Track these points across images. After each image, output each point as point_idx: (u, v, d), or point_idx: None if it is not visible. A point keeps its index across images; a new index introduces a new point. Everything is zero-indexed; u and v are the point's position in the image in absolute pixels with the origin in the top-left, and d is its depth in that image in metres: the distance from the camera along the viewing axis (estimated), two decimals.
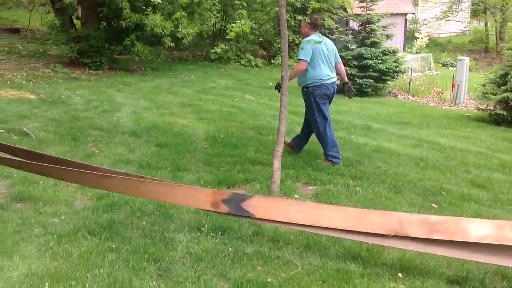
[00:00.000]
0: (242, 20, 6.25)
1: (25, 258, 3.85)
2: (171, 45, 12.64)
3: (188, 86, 12.42)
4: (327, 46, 6.67)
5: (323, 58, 6.56)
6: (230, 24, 7.77)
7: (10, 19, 21.34)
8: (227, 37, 6.63)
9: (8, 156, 5.16)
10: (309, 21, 6.69)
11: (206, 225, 4.53)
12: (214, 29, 19.60)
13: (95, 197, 5.14)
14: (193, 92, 11.69)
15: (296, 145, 7.04)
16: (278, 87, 6.35)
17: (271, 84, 13.10)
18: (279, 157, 5.43)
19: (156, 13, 11.82)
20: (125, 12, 12.15)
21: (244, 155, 6.80)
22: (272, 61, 17.50)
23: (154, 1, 6.87)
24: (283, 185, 5.59)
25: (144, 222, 4.64)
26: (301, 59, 6.48)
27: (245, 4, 8.15)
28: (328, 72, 6.60)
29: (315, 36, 6.55)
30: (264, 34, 18.85)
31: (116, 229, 4.41)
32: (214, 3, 15.22)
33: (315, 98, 6.60)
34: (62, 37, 14.27)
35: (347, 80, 7.16)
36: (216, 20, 18.72)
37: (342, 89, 7.28)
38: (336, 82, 6.82)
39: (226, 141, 7.46)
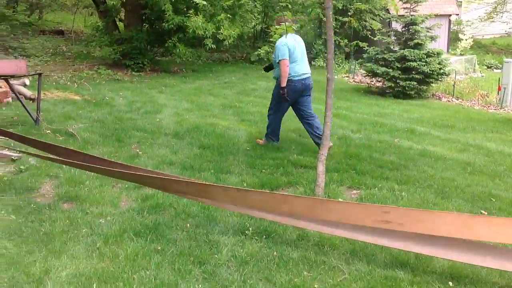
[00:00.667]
0: (287, 23, 6.22)
1: (73, 258, 3.89)
2: (212, 46, 12.69)
3: (228, 88, 12.45)
4: (299, 43, 7.19)
5: (295, 56, 7.03)
6: (273, 26, 7.74)
7: (54, 21, 21.81)
8: (270, 39, 6.61)
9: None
10: (281, 22, 7.32)
11: (250, 228, 4.50)
12: (255, 31, 19.61)
13: (140, 198, 5.17)
14: (233, 94, 11.70)
15: (315, 136, 7.20)
16: (266, 68, 7.54)
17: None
18: (323, 161, 5.37)
19: (198, 15, 11.89)
20: (167, 14, 12.27)
21: (287, 157, 6.75)
22: (313, 62, 17.38)
23: (198, 3, 6.88)
24: (327, 189, 5.52)
25: (188, 224, 4.64)
26: (282, 59, 6.95)
27: (289, 6, 8.08)
28: (298, 69, 7.06)
29: (289, 36, 7.06)
30: (305, 36, 18.75)
31: (161, 231, 4.42)
32: (255, 4, 15.22)
33: (279, 91, 7.13)
34: (105, 39, 14.50)
35: None
36: (257, 22, 18.73)
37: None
38: (310, 77, 7.25)
39: (268, 144, 7.42)
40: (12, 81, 9.29)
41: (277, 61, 7.05)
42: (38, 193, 5.20)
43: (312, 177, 5.80)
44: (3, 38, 15.44)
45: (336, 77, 6.45)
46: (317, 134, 7.10)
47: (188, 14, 12.12)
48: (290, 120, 9.09)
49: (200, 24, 11.63)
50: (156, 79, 13.14)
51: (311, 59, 17.91)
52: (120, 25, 15.26)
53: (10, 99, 8.69)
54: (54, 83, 11.24)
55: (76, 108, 8.99)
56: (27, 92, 8.97)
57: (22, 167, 5.80)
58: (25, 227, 4.37)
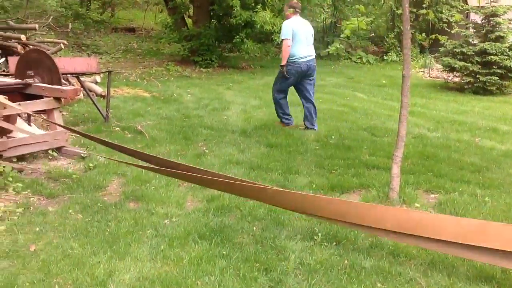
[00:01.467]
0: (358, 17, 5.90)
1: (137, 261, 3.78)
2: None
3: None
4: (306, 27, 7.63)
5: (300, 38, 7.45)
6: (344, 20, 7.45)
7: (126, 18, 22.25)
8: (341, 35, 6.33)
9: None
10: (289, 5, 7.71)
11: (319, 234, 4.26)
12: (324, 25, 19.21)
13: (206, 199, 5.03)
14: None
15: (309, 121, 7.79)
16: (282, 69, 7.55)
17: (384, 81, 12.57)
18: (399, 163, 5.04)
19: (266, 10, 11.70)
20: (235, 9, 12.16)
21: (358, 157, 6.45)
22: (385, 57, 16.82)
23: None
24: (402, 193, 5.18)
25: (255, 228, 4.45)
26: (284, 39, 7.41)
27: None
28: (303, 51, 7.50)
29: (295, 18, 7.55)
30: (376, 29, 18.20)
31: (227, 234, 4.26)
32: None
33: (283, 71, 7.54)
34: (174, 36, 14.59)
35: None
36: (327, 16, 18.33)
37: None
38: (314, 60, 7.69)
39: (338, 143, 7.14)
40: (83, 78, 9.46)
41: (279, 40, 7.60)
42: (105, 192, 5.16)
43: (385, 179, 5.49)
44: (77, 36, 15.89)
45: (410, 71, 6.14)
46: (311, 119, 7.79)
47: (256, 9, 11.95)
48: (361, 118, 8.76)
49: (268, 19, 11.43)
50: (224, 76, 13.07)
51: (382, 53, 17.37)
52: (189, 21, 15.31)
53: (82, 96, 8.81)
54: (124, 80, 11.38)
55: (144, 105, 9.02)
56: (98, 89, 9.09)
57: (91, 164, 5.80)
58: (91, 226, 4.32)
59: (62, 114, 8.13)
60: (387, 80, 12.78)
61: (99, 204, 4.78)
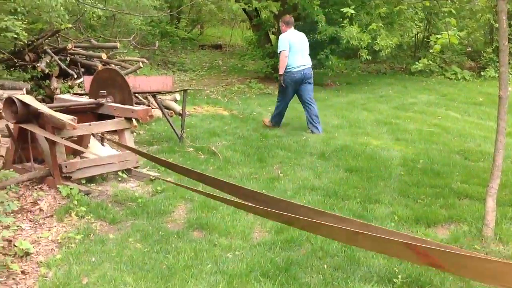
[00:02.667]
0: (450, 31, 5.32)
1: None
2: (368, 58, 11.90)
3: (384, 102, 11.53)
4: (301, 39, 8.31)
5: (295, 50, 8.08)
6: (434, 35, 6.84)
7: (215, 35, 22.43)
8: (430, 50, 5.76)
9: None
10: (283, 21, 8.44)
11: (399, 276, 3.75)
12: (416, 40, 18.32)
13: (274, 230, 4.64)
14: (390, 109, 10.78)
15: (312, 124, 8.28)
16: (281, 78, 8.21)
17: (481, 99, 11.64)
18: (494, 195, 4.41)
19: (353, 25, 11.20)
20: (320, 25, 11.75)
21: (448, 185, 5.81)
22: (482, 73, 15.68)
23: (347, 12, 6.26)
24: (498, 229, 4.54)
25: (325, 265, 4.01)
26: (281, 51, 8.08)
27: (453, 11, 7.09)
28: (297, 62, 8.11)
29: (290, 31, 8.26)
30: (473, 44, 17.09)
31: (293, 272, 3.84)
32: (416, 11, 14.08)
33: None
34: (257, 52, 14.38)
35: None
36: (419, 30, 17.45)
37: None
38: (310, 69, 8.30)
39: (427, 168, 6.51)
40: (164, 96, 9.40)
41: (278, 52, 8.19)
42: (169, 218, 4.90)
43: (479, 212, 4.86)
44: (163, 53, 16.10)
45: (510, 89, 5.49)
46: (313, 122, 8.22)
47: (342, 24, 11.47)
48: (454, 139, 8.05)
49: (354, 34, 10.92)
50: None
51: (479, 69, 16.24)
52: (273, 38, 15.07)
53: (160, 115, 8.72)
54: (205, 98, 11.25)
55: (222, 124, 8.78)
56: (177, 108, 8.97)
57: (159, 188, 5.58)
58: (149, 258, 4.04)
59: (139, 133, 8.07)
60: (484, 98, 11.81)
61: (161, 232, 4.51)
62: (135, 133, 8.01)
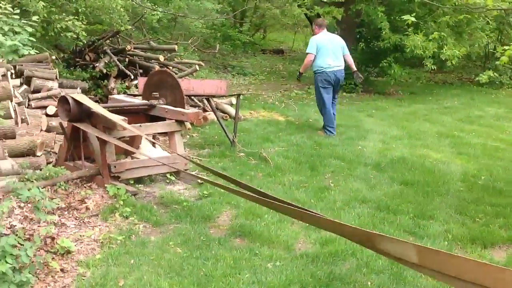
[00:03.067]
0: None
1: None
2: (433, 67, 11.48)
3: (448, 114, 11.08)
4: (332, 41, 8.49)
5: (326, 51, 8.28)
6: (504, 45, 6.47)
7: (277, 40, 22.33)
8: (497, 62, 5.44)
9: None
10: (316, 23, 8.85)
11: None
12: (486, 51, 17.58)
13: (319, 242, 4.46)
14: (453, 121, 10.33)
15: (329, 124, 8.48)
16: (299, 75, 9.25)
17: None
18: None
19: (418, 33, 10.83)
20: (384, 32, 11.43)
21: (510, 205, 5.44)
22: None
23: (407, 20, 5.99)
24: None
25: (369, 283, 3.82)
26: (308, 53, 8.40)
27: None
28: (329, 62, 8.28)
29: (321, 34, 8.49)
30: None
31: None
32: (487, 21, 13.48)
33: (317, 81, 8.44)
34: None
35: (355, 69, 8.89)
36: (490, 41, 16.73)
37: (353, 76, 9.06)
38: (342, 71, 8.45)
39: (488, 184, 6.16)
40: (219, 100, 9.38)
41: (306, 53, 8.51)
42: (213, 223, 4.82)
43: None
44: (224, 56, 16.14)
45: None
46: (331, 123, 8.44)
47: (406, 32, 11.12)
48: None
49: (419, 43, 10.54)
50: (368, 101, 12.34)
51: None
52: None
53: (215, 118, 8.68)
54: (262, 103, 11.15)
55: (277, 130, 8.65)
56: (232, 111, 8.91)
57: (205, 192, 5.51)
58: (187, 264, 3.96)
59: (193, 136, 8.06)
60: None
61: (202, 237, 4.43)
62: (188, 136, 8.01)
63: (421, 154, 7.53)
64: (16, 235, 3.66)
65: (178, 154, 5.09)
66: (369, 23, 12.54)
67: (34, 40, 3.92)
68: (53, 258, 3.88)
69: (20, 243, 3.60)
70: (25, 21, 3.73)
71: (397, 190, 5.90)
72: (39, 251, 3.93)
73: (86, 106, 5.35)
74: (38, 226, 4.21)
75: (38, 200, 3.73)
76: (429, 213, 5.21)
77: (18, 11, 3.73)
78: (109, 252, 4.07)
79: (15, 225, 4.07)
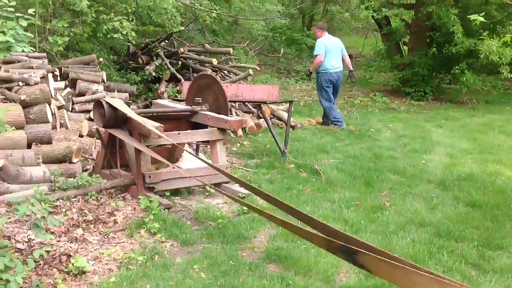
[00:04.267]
0: None
1: None
2: (510, 75, 10.52)
3: None
4: (334, 43, 9.05)
5: (330, 52, 8.86)
6: None
7: (346, 45, 21.56)
8: None
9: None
10: (318, 27, 9.37)
11: None
12: None
13: (363, 273, 3.89)
14: None
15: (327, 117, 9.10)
16: (309, 73, 9.87)
17: None
18: None
19: (493, 38, 9.93)
20: (456, 36, 10.60)
21: None
22: None
23: (475, 21, 5.31)
24: None
25: None
26: (317, 54, 8.88)
27: None
28: (333, 63, 8.89)
29: (325, 37, 9.02)
30: None
31: None
32: None
33: (321, 81, 9.00)
34: (385, 64, 13.47)
35: (351, 68, 9.46)
36: None
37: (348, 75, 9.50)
38: (342, 71, 9.10)
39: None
40: (276, 106, 8.93)
41: (314, 55, 9.02)
42: (247, 244, 4.36)
43: None
44: (288, 61, 15.66)
45: None
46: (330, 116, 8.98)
47: (481, 37, 10.24)
48: None
49: (494, 48, 9.64)
50: (438, 110, 11.50)
51: None
52: (405, 49, 14.03)
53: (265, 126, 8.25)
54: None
55: (334, 140, 8.09)
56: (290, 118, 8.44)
57: (245, 208, 5.05)
58: None
59: (243, 144, 7.65)
60: None
61: (231, 262, 3.97)
62: (238, 144, 7.60)
63: (493, 171, 6.76)
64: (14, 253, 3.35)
65: (212, 166, 4.65)
66: (440, 26, 11.71)
67: (32, 36, 3.56)
68: (64, 279, 3.55)
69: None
70: (19, 15, 3.41)
71: (461, 213, 5.22)
72: (51, 270, 3.61)
73: (121, 111, 5.04)
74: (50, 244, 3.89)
75: (40, 217, 3.40)
76: (497, 241, 4.53)
77: (14, 2, 3.38)
78: (126, 274, 3.69)
79: (19, 241, 3.78)
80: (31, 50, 6.91)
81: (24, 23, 3.35)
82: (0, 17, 3.30)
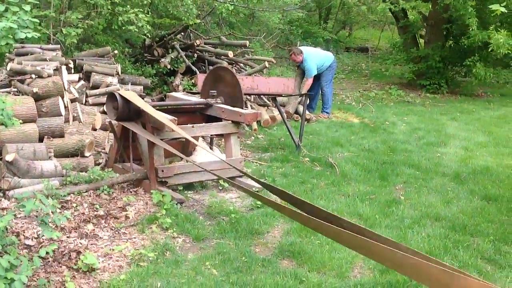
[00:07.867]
0: None
1: None
2: None
3: None
4: (310, 51, 9.24)
5: (317, 55, 9.18)
6: None
7: (363, 38, 21.37)
8: None
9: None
10: (295, 53, 8.97)
11: None
12: None
13: (377, 269, 3.85)
14: None
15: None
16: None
17: None
18: None
19: (500, 31, 9.73)
20: (471, 29, 10.43)
21: None
22: None
23: (495, 11, 5.15)
24: None
25: None
26: (312, 76, 8.89)
27: None
28: (327, 59, 9.21)
29: (307, 53, 8.97)
30: None
31: None
32: None
33: (331, 75, 9.34)
34: (401, 56, 13.32)
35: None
36: None
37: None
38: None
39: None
40: (295, 100, 8.85)
41: (307, 78, 9.04)
42: (260, 240, 4.33)
43: None
44: None
45: None
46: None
47: (490, 30, 10.06)
48: None
49: (501, 40, 9.45)
50: (453, 103, 11.36)
51: None
52: (421, 41, 13.85)
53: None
54: (338, 103, 10.49)
55: (349, 133, 8.03)
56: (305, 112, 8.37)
57: (259, 202, 5.01)
58: None
59: (258, 137, 7.62)
60: None
61: (244, 258, 3.94)
62: (253, 137, 7.57)
63: (509, 164, 6.68)
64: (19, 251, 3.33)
65: (224, 161, 4.62)
66: (457, 19, 11.54)
67: (37, 21, 3.48)
68: (73, 276, 3.53)
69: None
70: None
71: (477, 207, 5.15)
72: (60, 267, 3.60)
73: (134, 104, 5.02)
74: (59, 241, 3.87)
75: (47, 214, 3.37)
76: None
77: None
78: (136, 271, 3.66)
79: (28, 237, 3.77)
80: (46, 40, 6.92)
81: (27, 8, 3.27)
82: (4, 3, 3.23)
